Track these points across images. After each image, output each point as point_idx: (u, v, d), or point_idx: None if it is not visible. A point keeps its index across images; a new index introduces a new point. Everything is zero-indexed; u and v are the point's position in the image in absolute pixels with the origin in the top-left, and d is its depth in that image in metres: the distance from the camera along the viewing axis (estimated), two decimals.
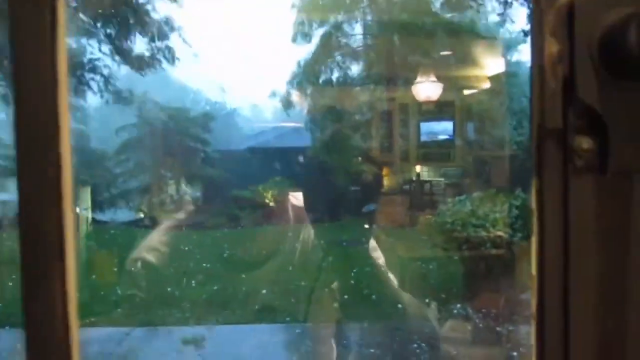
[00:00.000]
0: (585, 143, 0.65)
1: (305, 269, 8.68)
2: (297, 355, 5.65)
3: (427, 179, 13.96)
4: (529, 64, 0.72)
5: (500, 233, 5.86)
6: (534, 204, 0.74)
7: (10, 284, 7.89)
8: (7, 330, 6.10)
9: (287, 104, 15.50)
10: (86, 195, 16.02)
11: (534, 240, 0.76)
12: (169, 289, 7.71)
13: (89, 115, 18.61)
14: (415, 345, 5.54)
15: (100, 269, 8.93)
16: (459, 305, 6.31)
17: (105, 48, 12.30)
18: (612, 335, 0.68)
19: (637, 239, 0.66)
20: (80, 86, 12.84)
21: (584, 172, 0.66)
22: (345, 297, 7.04)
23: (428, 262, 8.76)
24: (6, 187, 19.73)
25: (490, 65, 11.75)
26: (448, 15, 13.36)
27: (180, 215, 15.84)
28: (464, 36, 12.63)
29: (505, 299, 6.12)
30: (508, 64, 12.87)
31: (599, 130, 0.64)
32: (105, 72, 12.55)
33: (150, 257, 8.10)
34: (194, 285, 7.97)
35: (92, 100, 16.89)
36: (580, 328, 0.69)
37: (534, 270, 0.77)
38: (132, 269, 8.41)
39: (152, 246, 8.93)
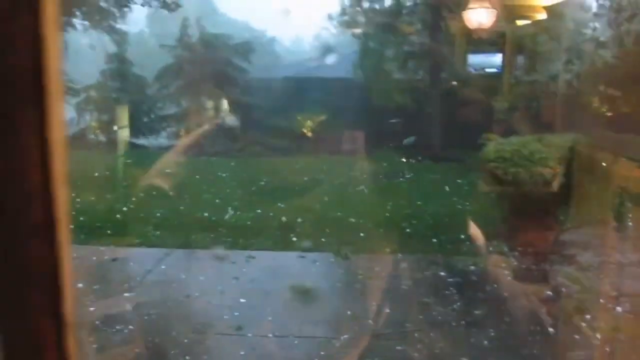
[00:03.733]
0: None
1: (341, 200, 8.70)
2: (329, 285, 5.69)
3: None
4: None
5: (544, 171, 5.66)
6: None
7: None
8: None
9: (345, 25, 15.15)
10: (124, 114, 16.22)
11: None
12: (205, 214, 7.82)
13: (130, 41, 18.56)
14: (451, 280, 5.52)
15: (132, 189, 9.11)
16: (497, 242, 6.24)
17: None
18: None
19: None
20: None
21: None
22: (381, 230, 7.02)
23: (465, 197, 8.66)
24: None
25: None
26: None
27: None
28: None
29: (546, 237, 6.01)
30: None
31: None
32: None
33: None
34: (230, 211, 8.05)
35: (135, 25, 16.78)
36: None
37: None
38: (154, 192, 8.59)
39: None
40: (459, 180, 9.92)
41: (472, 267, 5.81)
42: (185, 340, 4.16)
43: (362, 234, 6.75)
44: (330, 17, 15.12)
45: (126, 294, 4.95)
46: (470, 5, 11.09)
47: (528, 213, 6.02)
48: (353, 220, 7.43)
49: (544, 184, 5.63)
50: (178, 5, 15.05)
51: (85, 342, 4.01)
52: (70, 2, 12.54)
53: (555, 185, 5.65)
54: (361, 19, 14.83)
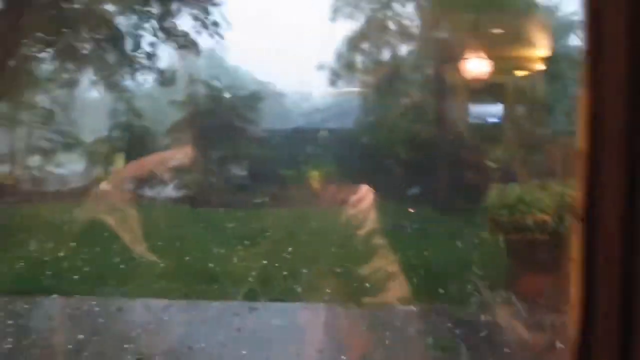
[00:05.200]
0: None
1: (348, 251, 8.65)
2: (335, 338, 5.60)
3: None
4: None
5: (546, 218, 5.65)
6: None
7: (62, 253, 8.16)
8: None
9: (334, 82, 15.39)
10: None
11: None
12: (210, 265, 7.80)
13: (140, 96, 18.97)
14: (458, 331, 5.43)
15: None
16: (502, 291, 6.15)
17: (152, 26, 12.41)
18: None
19: None
20: (129, 67, 13.02)
21: None
22: (388, 280, 6.95)
23: (471, 246, 8.59)
24: (61, 161, 20.42)
25: (544, 46, 11.33)
26: None
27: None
28: (517, 13, 12.17)
29: (549, 286, 5.92)
30: (564, 45, 12.33)
31: None
32: (154, 50, 12.66)
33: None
34: (235, 261, 8.03)
35: (142, 81, 17.21)
36: None
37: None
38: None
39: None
40: (464, 229, 9.88)
41: (481, 318, 5.70)
42: None
43: (367, 285, 6.69)
44: (327, 69, 15.39)
45: (126, 345, 4.90)
46: (466, 56, 11.32)
47: (534, 261, 5.95)
48: (359, 270, 7.38)
49: (549, 231, 5.61)
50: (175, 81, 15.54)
51: None
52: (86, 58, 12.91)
53: (561, 232, 5.62)
54: (361, 72, 15.12)
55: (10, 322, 5.48)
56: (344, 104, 16.39)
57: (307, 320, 5.80)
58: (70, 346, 4.84)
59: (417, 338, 5.32)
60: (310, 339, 5.31)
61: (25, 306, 5.99)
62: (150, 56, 12.53)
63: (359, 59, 15.22)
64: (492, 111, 14.04)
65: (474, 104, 14.40)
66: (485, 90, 12.79)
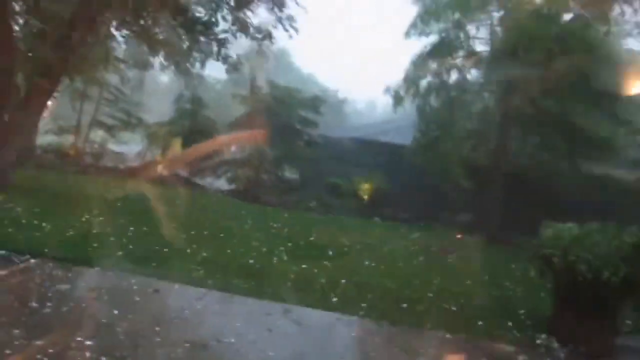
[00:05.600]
0: None
1: (389, 268, 8.53)
2: (361, 353, 5.49)
3: None
4: None
5: (600, 265, 5.37)
6: None
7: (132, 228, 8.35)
8: None
9: (398, 101, 15.28)
10: (187, 153, 16.75)
11: None
12: (250, 261, 7.82)
13: (207, 85, 19.36)
14: None
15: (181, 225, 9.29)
16: (543, 333, 5.90)
17: (227, 15, 12.57)
18: None
19: None
20: (200, 54, 13.24)
21: None
22: (425, 304, 6.79)
23: (517, 280, 8.32)
24: (122, 139, 21.04)
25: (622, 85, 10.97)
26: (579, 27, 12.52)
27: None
28: (595, 53, 11.80)
29: (603, 338, 5.64)
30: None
31: None
32: (226, 41, 12.82)
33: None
34: (275, 261, 8.03)
35: (211, 72, 17.53)
36: None
37: None
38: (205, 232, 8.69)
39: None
40: (511, 263, 9.59)
41: (518, 357, 5.47)
42: None
43: (404, 305, 6.55)
44: (393, 84, 15.28)
45: (157, 328, 4.93)
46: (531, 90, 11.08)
47: (581, 307, 5.69)
48: (397, 290, 7.25)
49: (602, 279, 5.33)
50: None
51: None
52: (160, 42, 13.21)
53: (616, 283, 5.33)
54: (426, 92, 14.93)
55: (52, 287, 5.62)
56: (405, 120, 16.23)
57: (339, 331, 5.72)
58: (104, 320, 4.91)
59: None
60: (337, 350, 5.23)
61: (68, 274, 6.13)
62: (222, 46, 12.70)
63: (425, 78, 15.07)
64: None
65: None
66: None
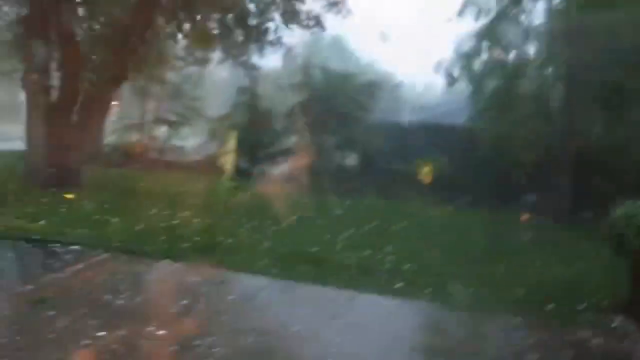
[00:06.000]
0: None
1: (455, 253, 8.39)
2: (432, 338, 5.43)
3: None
4: None
5: None
6: None
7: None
8: None
9: (451, 81, 14.95)
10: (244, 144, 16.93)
11: None
12: (314, 248, 7.87)
13: (263, 77, 19.52)
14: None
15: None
16: (619, 316, 5.67)
17: (279, 6, 12.62)
18: None
19: None
20: (255, 47, 13.36)
21: None
22: (492, 288, 6.65)
23: (589, 262, 8.02)
24: (184, 134, 21.58)
25: None
26: None
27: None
28: None
29: None
30: None
31: None
32: (280, 31, 12.89)
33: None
34: (339, 248, 8.05)
35: (266, 61, 17.68)
36: None
37: None
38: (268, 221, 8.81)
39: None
40: (582, 245, 9.24)
41: (592, 342, 5.27)
42: None
43: (471, 289, 6.44)
44: (447, 65, 14.92)
45: (223, 317, 5.05)
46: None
47: None
48: (464, 274, 7.13)
49: None
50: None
51: None
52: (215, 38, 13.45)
53: None
54: (483, 71, 14.50)
55: (125, 279, 5.85)
56: (463, 100, 15.85)
57: (405, 317, 5.69)
58: (173, 310, 5.07)
59: (521, 353, 5.02)
60: (404, 335, 5.19)
61: (139, 266, 6.37)
62: (276, 37, 12.79)
63: (481, 57, 14.66)
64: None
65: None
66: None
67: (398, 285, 6.49)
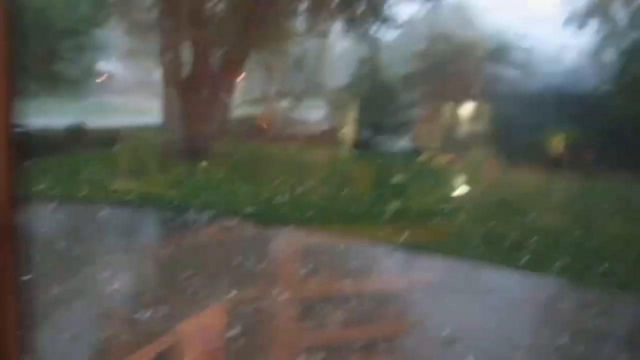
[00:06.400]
0: None
1: (575, 225, 7.86)
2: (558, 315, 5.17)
3: None
4: None
5: None
6: None
7: None
8: None
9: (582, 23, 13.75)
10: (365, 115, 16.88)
11: None
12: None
13: (384, 47, 19.28)
14: None
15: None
16: None
17: None
18: None
19: None
20: (376, 17, 13.21)
21: None
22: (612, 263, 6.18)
23: None
24: (307, 106, 21.98)
25: None
26: None
27: None
28: None
29: None
30: None
31: None
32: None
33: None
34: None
35: (387, 32, 17.45)
36: None
37: None
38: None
39: None
40: None
41: None
42: None
43: (606, 264, 6.03)
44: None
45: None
46: None
47: None
48: (586, 247, 6.70)
49: None
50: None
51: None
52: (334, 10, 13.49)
53: None
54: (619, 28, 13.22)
55: (253, 244, 6.16)
56: (597, 65, 14.64)
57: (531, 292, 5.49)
58: (298, 278, 5.23)
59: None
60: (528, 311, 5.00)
61: (264, 233, 6.67)
62: (396, 7, 12.58)
63: (616, 11, 13.38)
64: None
65: None
66: None
67: None
